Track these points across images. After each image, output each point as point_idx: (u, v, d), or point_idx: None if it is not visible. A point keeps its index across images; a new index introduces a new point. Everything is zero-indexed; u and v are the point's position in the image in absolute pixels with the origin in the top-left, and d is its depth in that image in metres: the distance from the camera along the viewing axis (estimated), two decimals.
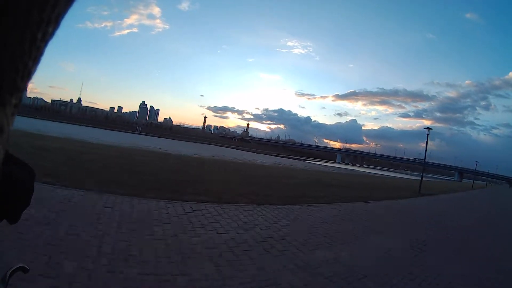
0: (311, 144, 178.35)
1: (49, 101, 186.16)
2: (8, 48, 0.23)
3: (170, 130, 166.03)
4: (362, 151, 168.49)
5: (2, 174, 0.50)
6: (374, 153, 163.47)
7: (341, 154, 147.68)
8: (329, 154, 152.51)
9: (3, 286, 0.75)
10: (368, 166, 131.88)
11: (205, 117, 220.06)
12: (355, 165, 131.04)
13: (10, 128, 0.25)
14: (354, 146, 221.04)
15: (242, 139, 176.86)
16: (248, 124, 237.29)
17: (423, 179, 21.60)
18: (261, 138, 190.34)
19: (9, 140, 0.27)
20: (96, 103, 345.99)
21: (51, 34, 0.26)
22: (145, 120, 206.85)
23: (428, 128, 22.38)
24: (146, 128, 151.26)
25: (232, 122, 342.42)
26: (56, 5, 0.24)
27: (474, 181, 58.34)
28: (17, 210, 0.58)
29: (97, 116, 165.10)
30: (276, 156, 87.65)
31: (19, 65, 0.24)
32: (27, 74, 0.25)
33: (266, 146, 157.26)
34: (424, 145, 22.05)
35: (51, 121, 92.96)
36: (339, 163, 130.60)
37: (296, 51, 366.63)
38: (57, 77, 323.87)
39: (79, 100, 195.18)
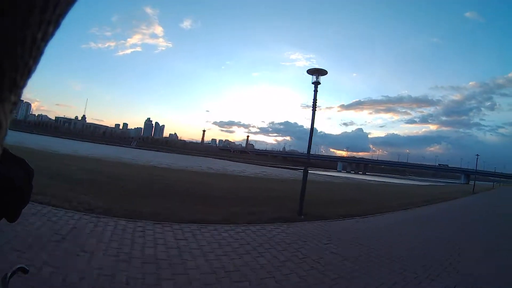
0: (311, 153, 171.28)
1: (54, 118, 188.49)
2: (9, 47, 0.23)
3: (166, 143, 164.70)
4: (364, 158, 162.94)
5: (0, 172, 0.53)
6: (376, 160, 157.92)
7: (342, 162, 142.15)
8: (331, 162, 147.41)
9: (3, 287, 0.74)
10: (370, 174, 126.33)
11: (204, 131, 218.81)
12: (357, 173, 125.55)
13: (8, 125, 0.25)
14: (361, 154, 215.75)
15: (242, 151, 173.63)
16: (248, 136, 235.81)
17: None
18: (261, 150, 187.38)
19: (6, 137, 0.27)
20: (102, 120, 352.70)
21: (52, 34, 0.26)
22: (151, 136, 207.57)
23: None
24: (142, 142, 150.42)
25: (239, 136, 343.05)
26: (57, 6, 0.25)
27: (481, 183, 52.61)
28: (16, 208, 0.57)
29: (95, 132, 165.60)
30: (269, 166, 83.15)
31: (19, 63, 0.24)
32: (27, 72, 0.25)
33: (266, 157, 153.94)
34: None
35: (48, 136, 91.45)
36: (340, 171, 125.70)
37: (299, 63, 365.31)
38: (64, 95, 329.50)
39: (83, 117, 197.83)
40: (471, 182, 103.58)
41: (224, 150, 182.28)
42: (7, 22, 0.22)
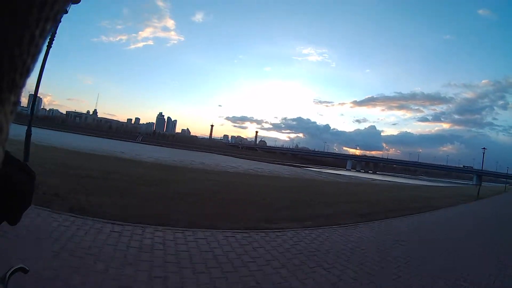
0: (321, 151, 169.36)
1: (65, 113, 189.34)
2: (7, 47, 0.23)
3: (172, 138, 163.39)
4: (375, 157, 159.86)
5: (2, 174, 0.53)
6: (386, 158, 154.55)
7: (352, 161, 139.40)
8: (341, 160, 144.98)
9: (3, 286, 0.74)
10: (381, 173, 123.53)
11: (212, 126, 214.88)
12: (367, 172, 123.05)
13: (10, 126, 0.25)
14: (374, 153, 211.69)
15: (249, 148, 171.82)
16: (256, 132, 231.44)
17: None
18: (269, 147, 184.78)
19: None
20: (115, 115, 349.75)
21: (49, 31, 0.26)
22: (163, 131, 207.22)
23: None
24: (148, 137, 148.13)
25: (251, 132, 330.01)
26: (55, 3, 0.24)
27: (493, 184, 49.61)
28: (18, 211, 0.57)
29: (102, 127, 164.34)
30: (274, 163, 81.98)
31: (18, 62, 0.24)
32: (26, 71, 0.25)
33: (274, 154, 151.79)
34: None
35: (51, 130, 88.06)
36: (349, 170, 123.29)
37: (312, 58, 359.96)
38: (76, 90, 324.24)
39: (95, 111, 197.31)
40: (484, 184, 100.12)
41: (233, 146, 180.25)
42: (6, 21, 0.22)
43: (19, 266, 0.79)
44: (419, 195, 21.28)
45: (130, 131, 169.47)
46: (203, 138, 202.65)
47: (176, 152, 65.44)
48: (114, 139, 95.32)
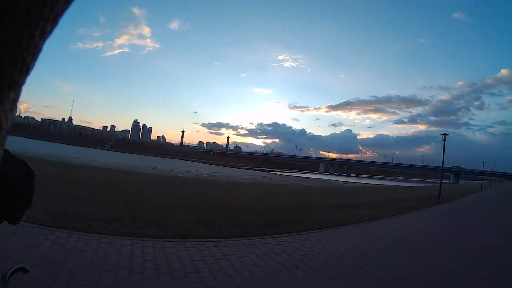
0: (293, 155, 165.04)
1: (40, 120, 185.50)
2: (7, 45, 0.23)
3: (142, 145, 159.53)
4: (348, 159, 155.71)
5: (1, 173, 0.53)
6: (360, 160, 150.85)
7: (325, 164, 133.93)
8: (315, 164, 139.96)
9: (3, 286, 0.74)
10: (355, 175, 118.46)
11: (183, 132, 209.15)
12: (340, 175, 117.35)
13: (9, 124, 0.25)
14: (350, 156, 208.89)
15: (221, 153, 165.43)
16: (228, 137, 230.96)
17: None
18: (241, 152, 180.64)
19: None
20: (91, 122, 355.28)
21: (50, 32, 0.26)
22: (138, 139, 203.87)
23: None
24: (117, 145, 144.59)
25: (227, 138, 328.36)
26: (55, 4, 0.25)
27: (470, 181, 44.11)
28: (18, 211, 0.57)
29: (70, 134, 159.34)
30: (241, 168, 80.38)
31: (17, 61, 0.24)
32: (25, 69, 0.25)
33: (245, 159, 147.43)
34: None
35: (19, 137, 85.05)
36: (322, 173, 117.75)
37: (287, 64, 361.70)
38: (52, 97, 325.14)
39: (70, 119, 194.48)
40: (462, 182, 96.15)
41: (205, 152, 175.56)
42: (6, 20, 0.22)
43: (19, 266, 0.77)
44: (342, 201, 15.22)
45: (102, 138, 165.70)
46: (173, 145, 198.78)
47: (141, 159, 65.95)
48: (84, 147, 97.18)
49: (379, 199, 18.13)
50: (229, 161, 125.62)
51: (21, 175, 0.57)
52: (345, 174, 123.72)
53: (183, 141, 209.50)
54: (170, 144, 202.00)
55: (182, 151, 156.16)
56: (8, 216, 0.55)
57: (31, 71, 0.26)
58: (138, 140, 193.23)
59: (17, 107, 0.27)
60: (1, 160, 0.27)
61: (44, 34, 0.25)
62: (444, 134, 22.63)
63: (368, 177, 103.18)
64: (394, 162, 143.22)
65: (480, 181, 71.68)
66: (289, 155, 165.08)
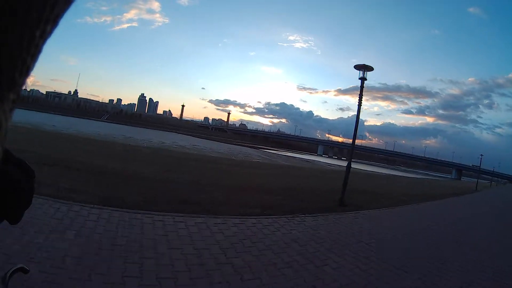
0: (292, 135, 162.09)
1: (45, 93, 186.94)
2: (7, 46, 0.23)
3: (139, 117, 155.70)
4: (346, 143, 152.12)
5: (1, 173, 0.53)
6: (360, 145, 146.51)
7: (324, 146, 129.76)
8: (315, 146, 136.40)
9: (3, 287, 0.74)
10: (354, 160, 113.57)
11: (183, 106, 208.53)
12: (340, 159, 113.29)
13: (8, 124, 0.25)
14: (359, 142, 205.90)
15: (219, 129, 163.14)
16: (229, 113, 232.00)
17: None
18: (240, 129, 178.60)
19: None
20: (98, 96, 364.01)
21: (50, 33, 0.26)
22: (144, 113, 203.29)
23: None
24: (115, 116, 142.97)
25: (234, 116, 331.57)
26: (55, 6, 0.25)
27: (475, 180, 40.25)
28: (18, 210, 0.57)
29: (70, 106, 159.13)
30: (232, 143, 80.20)
31: (17, 61, 0.24)
32: (26, 70, 0.25)
33: (244, 136, 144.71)
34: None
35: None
36: (320, 155, 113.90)
37: (297, 45, 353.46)
38: (59, 71, 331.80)
39: (75, 92, 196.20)
40: (463, 179, 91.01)
41: (203, 127, 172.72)
42: (6, 21, 0.22)
43: (19, 266, 0.77)
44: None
45: (101, 110, 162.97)
46: (171, 118, 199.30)
47: (128, 129, 65.11)
48: (81, 118, 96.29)
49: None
50: (226, 137, 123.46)
51: (21, 174, 0.56)
52: (344, 158, 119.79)
53: (190, 117, 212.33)
54: (170, 118, 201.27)
55: (179, 125, 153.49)
56: (8, 215, 0.55)
57: (31, 71, 0.26)
58: (136, 113, 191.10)
59: (16, 107, 0.26)
60: (1, 160, 0.26)
61: (44, 35, 0.25)
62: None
63: (367, 164, 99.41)
64: (396, 150, 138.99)
65: (484, 180, 66.66)
66: (290, 135, 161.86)
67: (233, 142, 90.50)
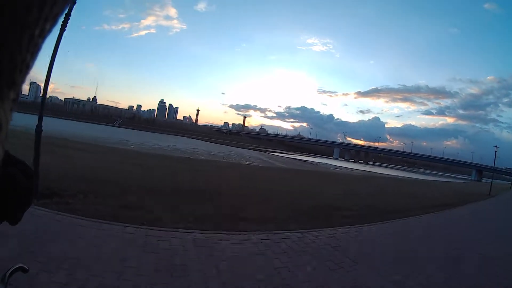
0: (308, 138, 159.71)
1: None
2: (7, 44, 0.23)
3: (152, 122, 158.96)
4: (362, 146, 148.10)
5: (1, 174, 0.52)
6: (377, 148, 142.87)
7: (340, 149, 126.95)
8: (331, 149, 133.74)
9: (2, 286, 0.74)
10: (372, 163, 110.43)
11: (198, 110, 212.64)
12: (357, 162, 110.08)
13: (9, 124, 0.25)
14: (377, 145, 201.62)
15: (235, 133, 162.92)
16: (245, 117, 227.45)
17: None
18: (256, 133, 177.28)
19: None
20: (118, 102, 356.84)
21: (49, 31, 0.26)
22: (163, 119, 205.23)
23: None
24: (127, 122, 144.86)
25: (255, 120, 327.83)
26: (55, 4, 0.25)
27: (499, 181, 36.93)
28: (18, 210, 0.57)
29: (85, 112, 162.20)
30: (243, 148, 77.48)
31: (17, 60, 0.24)
32: (25, 68, 0.25)
33: (259, 140, 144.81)
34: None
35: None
36: (336, 159, 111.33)
37: (316, 48, 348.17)
38: (78, 78, 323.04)
39: (94, 98, 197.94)
40: (484, 180, 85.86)
41: (219, 131, 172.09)
42: (6, 20, 0.22)
43: (18, 265, 0.76)
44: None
45: (115, 116, 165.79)
46: (185, 123, 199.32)
47: (137, 134, 65.50)
48: (94, 124, 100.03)
49: None
50: (240, 141, 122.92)
51: (21, 175, 0.56)
52: (362, 162, 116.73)
53: (211, 122, 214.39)
54: (184, 123, 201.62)
55: (194, 130, 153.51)
56: (8, 216, 0.55)
57: (30, 70, 0.26)
58: (149, 118, 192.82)
59: (16, 106, 0.26)
60: (1, 160, 0.26)
61: (44, 33, 0.25)
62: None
63: (387, 167, 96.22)
64: (413, 152, 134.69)
65: (505, 181, 62.39)
66: (306, 138, 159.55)
67: (245, 146, 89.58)
